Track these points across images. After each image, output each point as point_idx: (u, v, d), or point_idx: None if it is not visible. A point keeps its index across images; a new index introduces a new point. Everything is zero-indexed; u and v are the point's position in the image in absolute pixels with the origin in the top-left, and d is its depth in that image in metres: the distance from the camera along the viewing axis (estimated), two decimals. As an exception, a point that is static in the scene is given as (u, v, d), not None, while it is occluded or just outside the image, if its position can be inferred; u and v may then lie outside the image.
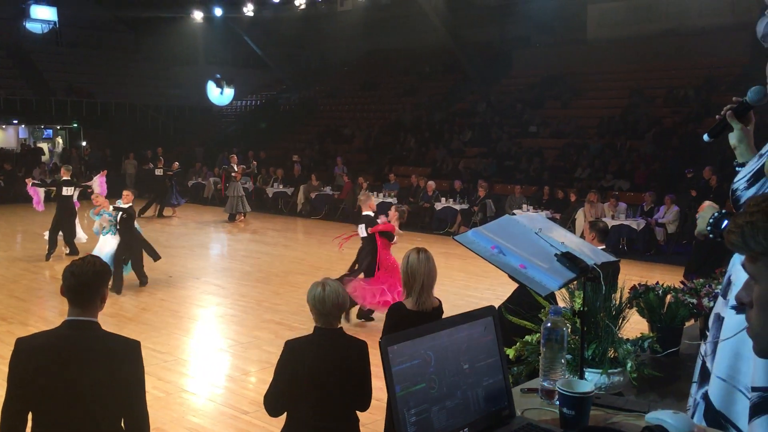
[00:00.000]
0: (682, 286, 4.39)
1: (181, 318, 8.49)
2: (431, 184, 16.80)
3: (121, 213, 9.66)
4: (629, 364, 3.26)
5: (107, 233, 9.76)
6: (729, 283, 2.02)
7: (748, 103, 2.15)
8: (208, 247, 14.40)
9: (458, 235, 1.99)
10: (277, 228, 16.55)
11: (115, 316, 8.18)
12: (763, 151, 2.03)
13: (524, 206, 14.89)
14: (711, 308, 4.16)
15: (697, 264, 6.93)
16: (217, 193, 20.71)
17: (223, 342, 7.64)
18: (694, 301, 4.14)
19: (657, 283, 4.38)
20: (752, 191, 2.00)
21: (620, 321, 3.41)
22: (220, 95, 28.85)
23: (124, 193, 9.96)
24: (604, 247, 5.85)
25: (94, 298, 2.75)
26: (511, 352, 3.39)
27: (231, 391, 6.11)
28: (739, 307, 1.61)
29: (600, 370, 3.09)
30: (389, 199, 17.07)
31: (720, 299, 2.07)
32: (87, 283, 2.70)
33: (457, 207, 15.79)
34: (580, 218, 14.07)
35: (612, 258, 2.31)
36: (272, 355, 7.00)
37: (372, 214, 8.49)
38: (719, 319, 2.02)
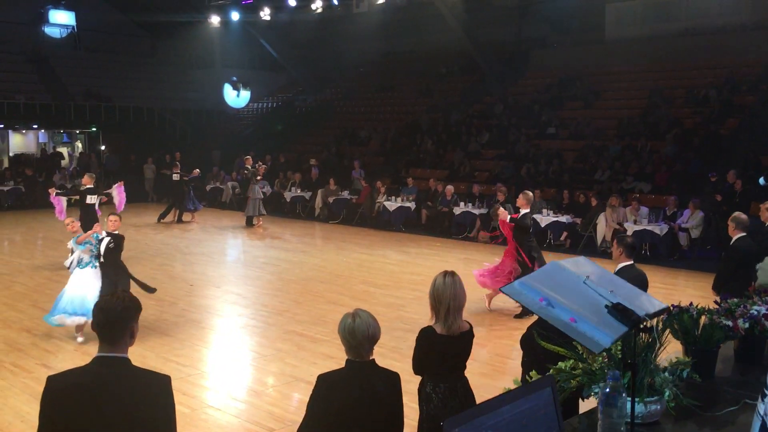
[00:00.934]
0: (716, 306, 4.30)
1: (204, 329, 8.49)
2: (450, 188, 16.72)
3: (108, 242, 7.93)
4: (667, 393, 3.19)
5: (86, 266, 7.90)
6: None
7: None
8: (227, 253, 14.43)
9: (505, 287, 1.93)
10: (296, 233, 16.56)
11: (137, 327, 8.18)
12: None
13: (544, 210, 14.76)
14: (746, 330, 4.10)
15: (727, 274, 6.79)
16: (236, 197, 20.76)
17: (246, 354, 7.63)
18: (730, 323, 4.05)
19: (691, 303, 4.29)
20: None
21: (657, 348, 3.35)
22: (236, 98, 29.01)
23: (111, 218, 8.15)
24: (632, 262, 5.76)
25: (124, 333, 2.73)
26: (544, 380, 3.33)
27: (255, 407, 6.08)
28: None
29: (638, 399, 3.03)
30: (407, 204, 17.02)
31: None
32: (116, 319, 2.68)
33: (476, 212, 15.70)
34: (602, 223, 13.93)
35: (663, 306, 2.24)
36: (295, 369, 6.99)
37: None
38: None
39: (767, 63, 18.51)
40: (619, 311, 1.81)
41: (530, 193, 9.53)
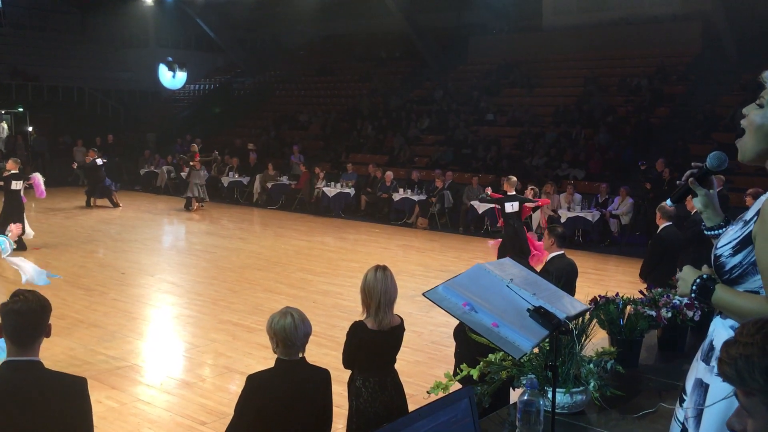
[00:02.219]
0: (641, 296, 4.42)
1: (135, 319, 8.27)
2: (389, 174, 16.74)
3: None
4: (592, 384, 3.27)
5: None
6: (711, 348, 1.99)
7: (709, 169, 2.13)
8: (161, 240, 14.09)
9: (428, 291, 1.91)
10: (234, 219, 16.30)
11: (64, 318, 7.92)
12: (747, 216, 2.00)
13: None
14: (668, 319, 4.23)
15: (653, 262, 7.01)
16: (171, 181, 20.27)
17: (179, 345, 7.47)
18: (654, 313, 4.17)
19: (617, 294, 4.40)
20: (738, 258, 1.97)
21: (583, 339, 3.43)
22: (172, 79, 28.19)
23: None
24: (562, 252, 5.88)
25: (39, 336, 2.61)
26: (474, 372, 3.36)
27: (187, 400, 5.96)
28: None
29: (564, 390, 3.09)
30: (347, 189, 16.96)
31: (701, 364, 2.03)
32: (31, 321, 2.56)
33: (416, 198, 15.76)
34: (537, 211, 14.17)
35: (585, 307, 2.27)
36: (229, 360, 6.89)
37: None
38: (702, 385, 1.99)
39: (696, 53, 19.13)
40: (540, 315, 1.82)
41: (514, 178, 10.36)
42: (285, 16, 26.26)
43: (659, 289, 4.47)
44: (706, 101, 16.74)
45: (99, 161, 17.09)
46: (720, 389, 1.81)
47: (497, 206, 10.73)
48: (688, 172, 2.17)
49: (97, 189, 17.15)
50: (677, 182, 2.22)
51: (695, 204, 2.16)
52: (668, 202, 2.25)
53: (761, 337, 1.13)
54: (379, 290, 3.74)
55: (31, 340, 2.57)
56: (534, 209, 11.26)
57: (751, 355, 1.12)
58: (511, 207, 10.04)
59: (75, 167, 19.07)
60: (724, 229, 2.11)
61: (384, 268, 3.82)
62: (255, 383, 3.05)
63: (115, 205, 17.12)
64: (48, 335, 2.64)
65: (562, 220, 13.28)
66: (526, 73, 21.33)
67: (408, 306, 7.76)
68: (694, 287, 1.99)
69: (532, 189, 10.50)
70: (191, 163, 16.73)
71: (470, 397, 1.46)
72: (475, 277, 1.96)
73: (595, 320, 3.93)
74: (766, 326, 1.15)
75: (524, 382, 1.68)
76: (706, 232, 2.16)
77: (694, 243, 6.51)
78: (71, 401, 2.60)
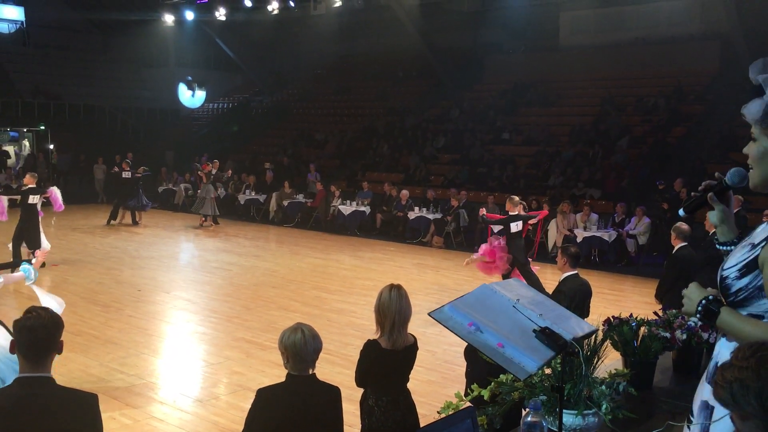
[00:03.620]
0: (655, 317, 4.39)
1: (150, 336, 8.31)
2: (405, 192, 16.76)
3: None
4: (604, 406, 3.23)
5: None
6: (716, 370, 1.98)
7: (728, 185, 2.13)
8: (177, 258, 14.17)
9: (434, 311, 1.92)
10: (249, 237, 16.38)
11: (80, 335, 7.99)
12: (755, 240, 2.00)
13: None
14: (683, 341, 4.19)
15: (669, 283, 6.94)
16: (188, 199, 20.43)
17: (193, 362, 7.49)
18: (668, 335, 4.13)
19: (631, 315, 4.36)
20: (744, 281, 1.97)
21: (595, 361, 3.40)
22: (191, 98, 28.54)
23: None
24: (576, 272, 5.84)
25: (51, 352, 2.64)
26: (485, 393, 3.34)
27: (200, 417, 5.97)
28: None
29: (575, 411, 3.06)
30: (362, 208, 17.00)
31: (706, 386, 2.02)
32: (44, 338, 2.60)
33: (431, 216, 15.76)
34: (553, 229, 14.13)
35: (592, 328, 2.26)
36: (243, 378, 6.89)
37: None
38: (707, 407, 1.98)
39: (714, 73, 19.05)
40: (546, 335, 1.82)
41: (516, 198, 10.42)
42: (303, 36, 26.56)
43: (674, 311, 4.43)
44: (723, 121, 16.64)
45: (125, 174, 17.19)
46: (724, 409, 1.80)
47: (492, 226, 10.80)
48: (704, 183, 2.18)
49: (126, 202, 17.16)
50: (692, 193, 2.23)
51: (711, 218, 2.16)
52: (681, 212, 2.25)
53: (755, 361, 1.13)
54: (393, 309, 3.74)
55: (43, 357, 2.61)
56: (534, 224, 11.18)
57: (745, 379, 1.12)
58: (516, 227, 10.05)
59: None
60: (735, 246, 2.12)
61: (398, 288, 3.82)
62: (264, 397, 3.06)
63: (135, 222, 17.26)
64: (60, 352, 2.67)
65: (578, 240, 13.21)
66: (543, 92, 21.35)
67: (422, 325, 7.71)
68: (699, 308, 1.99)
69: (521, 204, 10.56)
70: (199, 173, 16.99)
71: (473, 418, 1.46)
72: (481, 297, 1.96)
73: (608, 341, 3.91)
74: (761, 350, 1.15)
75: (530, 403, 1.69)
76: (718, 246, 2.16)
77: (710, 264, 6.44)
78: (82, 417, 2.62)
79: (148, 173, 18.10)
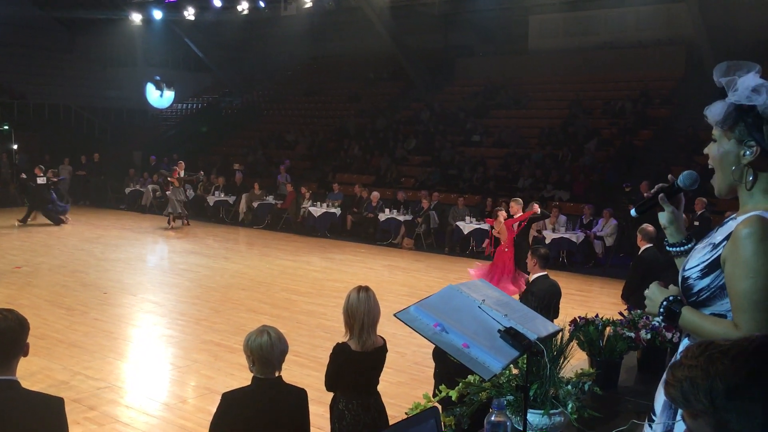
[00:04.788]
0: (620, 317, 4.44)
1: (116, 339, 8.19)
2: (375, 194, 16.76)
3: None
4: (570, 405, 3.27)
5: None
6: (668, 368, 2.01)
7: (680, 187, 2.17)
8: (145, 260, 13.99)
9: (400, 312, 1.91)
10: (219, 238, 16.23)
11: (44, 338, 7.83)
12: (716, 240, 2.03)
13: (467, 218, 14.98)
14: (648, 341, 4.25)
15: (634, 285, 7.05)
16: (156, 200, 20.20)
17: (160, 366, 7.40)
18: (632, 335, 4.19)
19: (597, 315, 4.42)
20: (706, 281, 2.00)
21: (561, 361, 3.43)
22: (159, 98, 28.16)
23: None
24: (545, 273, 5.90)
25: (17, 354, 2.59)
26: (453, 394, 3.35)
27: (167, 422, 5.90)
28: None
29: (542, 411, 3.09)
30: (333, 209, 16.96)
31: None
32: (10, 340, 2.55)
33: (401, 218, 15.79)
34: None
35: (556, 328, 2.28)
36: (211, 381, 6.83)
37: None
38: (671, 407, 2.00)
39: (680, 77, 19.39)
40: (511, 335, 1.83)
41: (520, 199, 10.37)
42: (273, 37, 26.40)
43: (639, 311, 4.49)
44: (688, 125, 16.95)
45: (40, 180, 16.81)
46: None
47: (498, 230, 10.37)
48: (657, 186, 2.22)
49: (40, 208, 16.89)
50: (644, 194, 2.27)
51: (660, 219, 2.20)
52: (633, 212, 2.29)
53: (704, 359, 1.15)
54: (362, 311, 3.73)
55: (8, 359, 2.55)
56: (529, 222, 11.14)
57: (694, 378, 1.14)
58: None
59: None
60: (685, 247, 2.16)
61: (366, 289, 3.81)
62: (230, 401, 3.03)
63: (60, 223, 16.89)
64: (26, 354, 2.63)
65: (547, 242, 13.34)
66: (512, 95, 21.53)
67: (391, 327, 7.71)
68: (661, 309, 2.03)
69: (503, 204, 10.61)
70: (169, 179, 16.86)
71: (436, 418, 1.47)
72: (447, 298, 1.97)
73: (574, 341, 3.95)
74: (709, 348, 1.17)
75: (493, 403, 1.70)
76: (668, 248, 2.20)
77: (674, 265, 6.56)
78: (48, 422, 2.58)
79: (65, 179, 17.76)
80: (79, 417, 5.74)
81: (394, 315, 1.88)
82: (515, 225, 9.89)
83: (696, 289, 2.01)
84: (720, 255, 1.97)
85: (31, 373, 6.53)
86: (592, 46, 21.34)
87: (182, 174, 17.18)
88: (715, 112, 2.02)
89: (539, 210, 10.16)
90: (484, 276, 10.27)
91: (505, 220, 9.96)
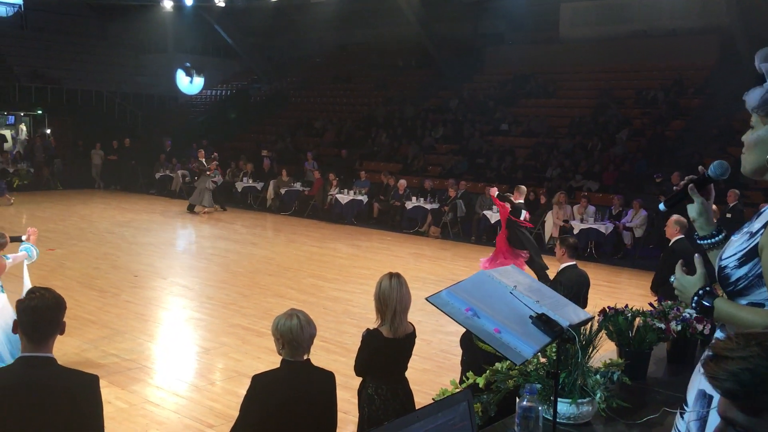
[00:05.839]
0: (650, 308, 4.41)
1: (146, 321, 8.33)
2: (402, 182, 16.76)
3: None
4: (598, 395, 3.26)
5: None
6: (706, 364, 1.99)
7: (710, 177, 2.14)
8: (174, 244, 14.18)
9: (432, 296, 1.93)
10: (246, 224, 16.38)
11: (76, 318, 7.99)
12: (753, 228, 2.01)
13: (494, 207, 14.89)
14: (678, 332, 4.21)
15: (663, 276, 6.97)
16: (185, 186, 20.40)
17: (189, 348, 7.52)
18: (662, 326, 4.15)
19: (626, 306, 4.38)
20: (744, 270, 1.98)
21: (590, 350, 3.42)
22: (189, 84, 28.39)
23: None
24: (574, 262, 5.87)
25: (53, 332, 2.65)
26: (480, 381, 3.36)
27: (196, 402, 6.00)
28: None
29: (570, 400, 3.08)
30: (360, 197, 17.00)
31: (703, 376, 2.03)
32: (46, 318, 2.61)
33: (428, 206, 15.77)
34: (549, 221, 14.16)
35: (587, 315, 2.28)
36: (239, 363, 6.92)
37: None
38: (705, 396, 1.99)
39: (713, 67, 19.03)
40: (542, 322, 1.83)
41: (523, 187, 10.97)
42: (302, 24, 26.43)
43: (669, 302, 4.45)
44: (722, 115, 16.65)
45: None
46: None
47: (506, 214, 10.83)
48: (687, 178, 2.19)
49: None
50: (675, 186, 2.25)
51: (689, 211, 2.17)
52: (661, 206, 2.26)
53: (761, 350, 1.08)
54: (394, 298, 3.74)
55: (45, 337, 2.62)
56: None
57: (756, 368, 1.05)
58: (522, 215, 10.17)
59: None
60: (715, 239, 2.13)
61: (398, 276, 3.82)
62: (260, 383, 3.08)
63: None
64: (62, 332, 2.69)
65: (575, 232, 13.23)
66: (542, 83, 21.32)
67: (417, 314, 7.75)
68: (693, 304, 2.01)
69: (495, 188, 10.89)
70: (207, 172, 17.04)
71: (469, 401, 1.48)
72: (479, 283, 1.97)
73: (603, 331, 3.93)
74: (757, 338, 1.12)
75: (526, 387, 1.70)
76: (698, 241, 2.17)
77: (707, 256, 6.47)
78: (84, 398, 2.64)
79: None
80: (109, 396, 5.86)
81: (426, 299, 1.89)
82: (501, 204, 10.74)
83: (734, 278, 1.99)
84: (758, 243, 1.94)
85: (64, 353, 6.67)
86: (624, 35, 21.00)
87: (204, 162, 17.32)
88: (753, 97, 2.00)
89: (508, 198, 10.73)
90: (490, 262, 10.61)
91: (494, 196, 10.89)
